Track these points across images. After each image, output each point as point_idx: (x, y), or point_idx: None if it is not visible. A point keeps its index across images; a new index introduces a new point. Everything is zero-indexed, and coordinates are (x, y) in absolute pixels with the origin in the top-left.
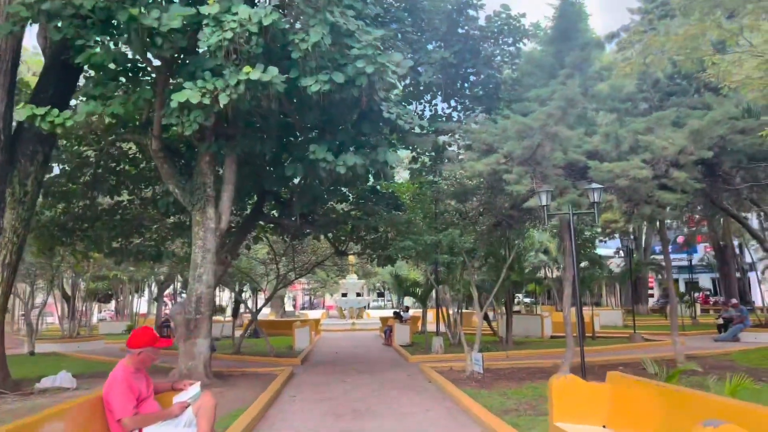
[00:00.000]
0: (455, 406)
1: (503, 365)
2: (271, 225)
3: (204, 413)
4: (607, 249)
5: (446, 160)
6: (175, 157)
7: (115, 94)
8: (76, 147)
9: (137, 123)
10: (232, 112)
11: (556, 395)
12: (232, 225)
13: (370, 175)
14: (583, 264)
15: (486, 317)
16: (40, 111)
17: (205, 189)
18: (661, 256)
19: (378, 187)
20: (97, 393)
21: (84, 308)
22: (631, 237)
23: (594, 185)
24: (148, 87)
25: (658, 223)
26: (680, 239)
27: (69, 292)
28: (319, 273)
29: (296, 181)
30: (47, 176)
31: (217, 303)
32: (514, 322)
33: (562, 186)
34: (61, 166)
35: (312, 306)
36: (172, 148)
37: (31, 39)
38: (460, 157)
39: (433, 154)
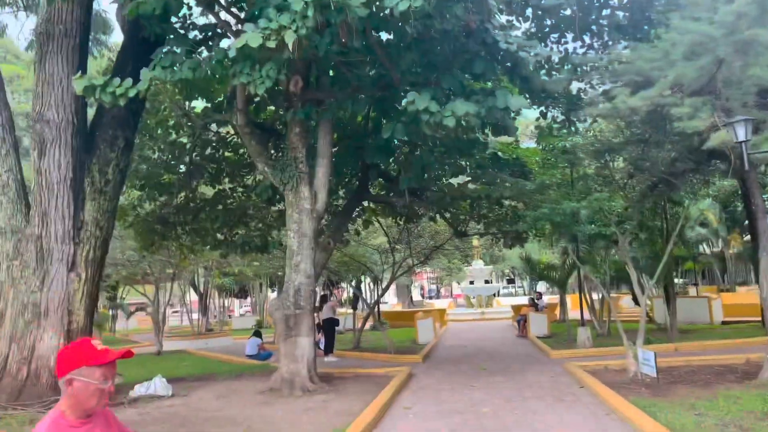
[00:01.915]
0: (626, 427)
1: (674, 362)
2: (380, 205)
3: None
4: None
5: (584, 107)
6: (270, 135)
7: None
8: (171, 134)
9: (224, 101)
10: (313, 63)
11: None
12: (337, 206)
13: (487, 131)
14: (748, 237)
15: (637, 301)
16: (99, 81)
17: (297, 165)
18: None
19: (500, 153)
20: None
21: (223, 304)
22: None
23: None
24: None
25: None
26: None
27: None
28: (442, 260)
29: (401, 153)
30: (142, 166)
31: (346, 296)
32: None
33: (756, 120)
34: (156, 155)
35: (438, 295)
36: (266, 128)
37: None
38: (600, 106)
39: (564, 101)
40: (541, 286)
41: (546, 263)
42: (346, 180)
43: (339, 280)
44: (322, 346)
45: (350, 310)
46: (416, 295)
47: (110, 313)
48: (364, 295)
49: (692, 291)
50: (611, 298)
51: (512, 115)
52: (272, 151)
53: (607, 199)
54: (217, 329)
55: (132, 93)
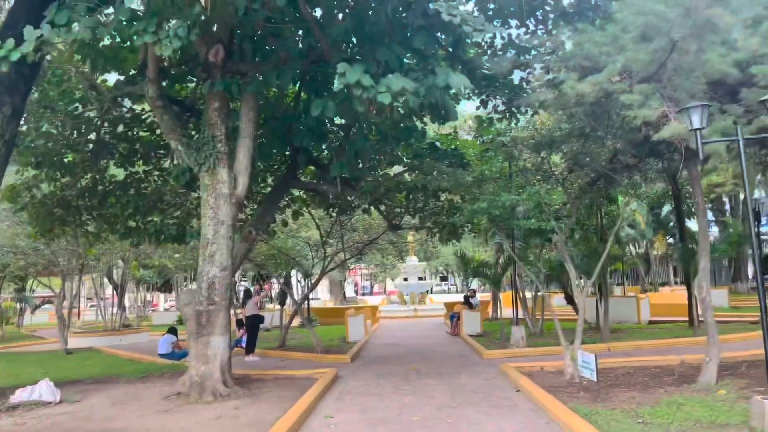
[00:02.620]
0: None
1: (609, 363)
2: (310, 194)
3: None
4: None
5: (527, 95)
6: (189, 114)
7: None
8: (78, 108)
9: (134, 70)
10: (236, 31)
11: None
12: (263, 193)
13: (425, 119)
14: (671, 240)
15: (570, 299)
16: None
17: (215, 144)
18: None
19: (438, 144)
20: None
21: (144, 298)
22: (727, 206)
23: None
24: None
25: None
26: None
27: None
28: (375, 255)
29: (335, 138)
30: (39, 141)
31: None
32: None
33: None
34: (57, 130)
35: (372, 291)
36: (184, 105)
37: None
38: (541, 98)
39: (506, 90)
40: (475, 284)
41: (480, 260)
42: (275, 167)
43: (269, 274)
44: (243, 344)
45: (278, 306)
46: (350, 292)
47: (17, 305)
48: (294, 290)
49: (617, 290)
50: (545, 297)
51: (452, 96)
52: (193, 132)
53: (547, 192)
54: (136, 325)
55: (14, 56)
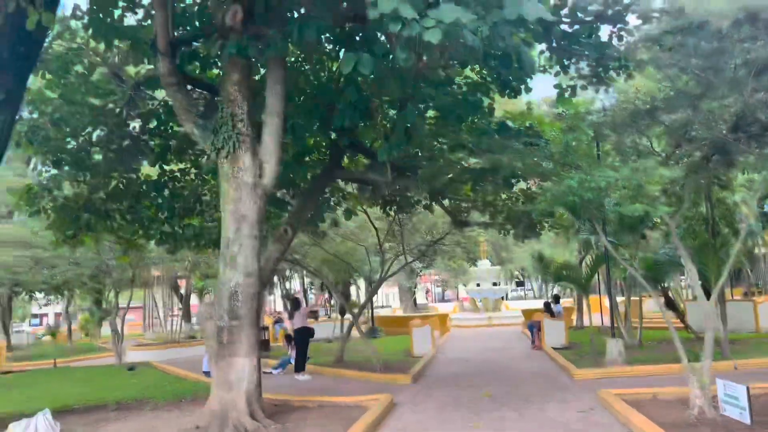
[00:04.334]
0: None
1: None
2: (360, 188)
3: None
4: None
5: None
6: (210, 93)
7: None
8: (105, 102)
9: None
10: None
11: None
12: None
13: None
14: None
15: (671, 305)
16: None
17: (235, 124)
18: None
19: (509, 122)
20: None
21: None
22: None
23: None
24: None
25: None
26: None
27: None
28: (442, 259)
29: (384, 118)
30: (60, 138)
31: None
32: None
33: None
34: (83, 126)
35: (444, 298)
36: (211, 88)
37: None
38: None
39: (593, 49)
40: (556, 289)
41: (561, 262)
42: (325, 159)
43: (337, 282)
44: (293, 361)
45: (339, 316)
46: (422, 299)
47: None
48: (355, 298)
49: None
50: (633, 301)
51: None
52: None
53: (656, 168)
54: (199, 337)
55: None
